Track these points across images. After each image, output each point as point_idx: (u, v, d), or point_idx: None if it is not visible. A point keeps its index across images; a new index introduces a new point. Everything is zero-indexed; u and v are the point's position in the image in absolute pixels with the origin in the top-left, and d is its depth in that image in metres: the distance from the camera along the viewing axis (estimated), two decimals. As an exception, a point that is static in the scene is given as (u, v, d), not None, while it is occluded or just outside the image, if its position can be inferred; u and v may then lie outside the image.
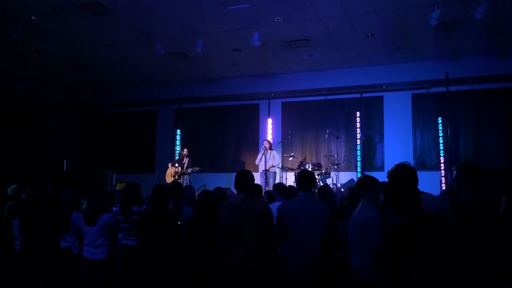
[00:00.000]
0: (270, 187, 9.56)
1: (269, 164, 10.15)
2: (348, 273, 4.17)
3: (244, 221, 3.77)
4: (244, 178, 4.02)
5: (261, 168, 10.33)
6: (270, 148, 10.43)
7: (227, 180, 11.42)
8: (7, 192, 6.45)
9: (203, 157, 12.27)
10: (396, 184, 2.76)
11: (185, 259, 4.42)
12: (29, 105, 13.45)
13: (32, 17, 8.59)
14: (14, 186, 6.44)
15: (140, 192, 5.23)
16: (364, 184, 3.90)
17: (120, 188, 10.53)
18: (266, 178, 10.05)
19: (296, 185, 4.51)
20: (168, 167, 11.03)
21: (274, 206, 4.60)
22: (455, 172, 3.77)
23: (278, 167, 10.67)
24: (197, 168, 10.63)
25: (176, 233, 4.41)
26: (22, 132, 12.98)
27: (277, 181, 10.30)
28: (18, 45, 9.56)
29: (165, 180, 10.73)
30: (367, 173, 11.22)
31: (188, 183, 10.18)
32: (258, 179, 9.69)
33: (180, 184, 6.20)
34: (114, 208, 5.21)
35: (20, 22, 8.59)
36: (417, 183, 3.42)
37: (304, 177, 4.32)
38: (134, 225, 4.74)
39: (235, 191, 4.17)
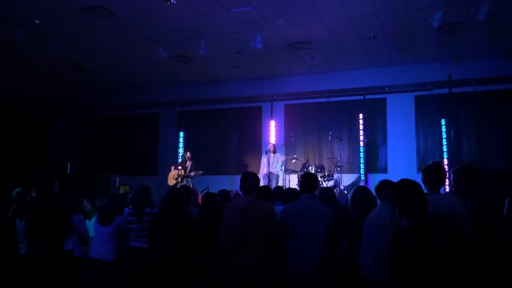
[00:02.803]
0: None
1: (273, 167, 10.19)
2: (351, 273, 4.19)
3: (249, 223, 3.78)
4: (249, 180, 4.04)
5: (265, 170, 10.33)
6: (274, 151, 10.44)
7: (229, 183, 11.42)
8: (11, 195, 6.47)
9: (206, 159, 12.26)
10: (401, 184, 2.76)
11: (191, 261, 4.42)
12: (33, 107, 13.52)
13: (36, 21, 8.66)
14: (18, 189, 6.45)
15: (151, 194, 5.29)
16: (382, 186, 4.02)
17: (124, 191, 10.55)
18: (270, 181, 10.06)
19: (299, 187, 4.52)
20: (170, 170, 11.04)
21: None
22: (452, 176, 3.75)
23: (281, 169, 10.68)
24: (200, 172, 10.63)
25: (200, 235, 4.36)
26: (26, 134, 13.03)
27: (280, 183, 10.31)
28: (22, 48, 9.61)
29: (166, 182, 10.74)
30: (370, 175, 11.22)
31: (191, 186, 10.19)
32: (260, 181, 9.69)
33: (188, 187, 6.25)
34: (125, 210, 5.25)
35: (23, 26, 8.65)
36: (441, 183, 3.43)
37: (306, 179, 4.33)
38: (145, 226, 4.76)
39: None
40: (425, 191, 3.47)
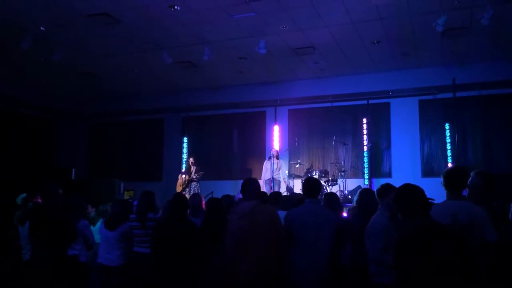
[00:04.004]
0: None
1: (276, 173, 10.19)
2: (356, 278, 4.18)
3: (254, 228, 3.78)
4: (250, 185, 4.06)
5: (267, 176, 10.33)
6: (277, 157, 10.45)
7: (234, 188, 11.43)
8: (16, 201, 6.50)
9: (210, 165, 12.28)
10: (404, 189, 2.76)
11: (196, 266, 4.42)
12: (38, 113, 13.60)
13: (41, 28, 8.73)
14: (23, 195, 6.48)
15: (155, 200, 5.30)
16: (384, 190, 3.97)
17: (128, 197, 10.58)
18: (272, 186, 10.06)
19: (302, 192, 4.52)
20: (178, 178, 11.09)
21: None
22: (471, 179, 3.70)
23: (286, 175, 10.69)
24: (201, 173, 10.67)
25: (204, 243, 4.35)
26: (31, 140, 13.10)
27: (283, 189, 10.31)
28: (28, 54, 9.68)
29: (175, 190, 10.76)
30: (374, 179, 11.19)
31: (197, 191, 10.22)
32: (262, 187, 9.69)
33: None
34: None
35: (29, 33, 8.72)
36: (461, 188, 3.37)
37: (310, 184, 4.32)
38: (149, 231, 4.77)
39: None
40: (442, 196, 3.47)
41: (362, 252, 3.93)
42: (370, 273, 3.80)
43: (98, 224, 6.06)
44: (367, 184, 10.98)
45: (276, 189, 9.93)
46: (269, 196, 5.88)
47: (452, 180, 3.35)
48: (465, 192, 3.62)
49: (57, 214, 4.62)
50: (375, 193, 4.18)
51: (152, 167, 13.59)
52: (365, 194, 4.68)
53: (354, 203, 4.79)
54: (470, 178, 3.63)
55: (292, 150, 12.04)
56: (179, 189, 10.77)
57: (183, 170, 11.38)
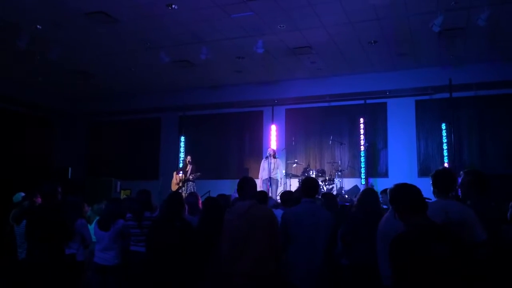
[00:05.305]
0: (273, 194, 9.59)
1: (273, 172, 10.19)
2: (352, 279, 4.18)
3: (250, 228, 3.78)
4: (247, 184, 4.05)
5: (265, 175, 10.33)
6: (274, 156, 10.45)
7: (231, 187, 11.40)
8: (12, 200, 6.47)
9: (207, 164, 12.28)
10: (400, 188, 2.77)
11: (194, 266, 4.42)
12: (35, 112, 13.56)
13: (38, 26, 8.70)
14: (21, 194, 6.46)
15: (151, 198, 5.29)
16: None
17: (125, 196, 10.55)
18: (270, 186, 10.06)
19: (300, 191, 4.52)
20: (173, 176, 11.06)
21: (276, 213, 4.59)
22: (461, 178, 3.74)
23: (283, 174, 10.69)
24: (198, 174, 10.66)
25: (200, 242, 4.35)
26: (28, 139, 13.06)
27: (280, 188, 10.31)
28: (24, 53, 9.65)
29: (170, 188, 10.75)
30: (371, 179, 11.22)
31: (193, 190, 10.20)
32: (259, 186, 9.69)
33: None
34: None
35: (26, 31, 8.69)
36: (448, 189, 3.38)
37: (307, 184, 4.33)
38: (146, 230, 4.77)
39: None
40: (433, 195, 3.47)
41: (365, 252, 3.85)
42: (387, 276, 3.59)
43: (94, 223, 6.05)
44: (364, 184, 11.01)
45: (274, 189, 9.95)
46: (281, 195, 5.92)
47: (440, 181, 3.41)
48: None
49: (54, 213, 4.62)
50: (388, 196, 4.08)
51: (149, 166, 13.57)
52: (367, 194, 4.61)
53: (355, 202, 4.74)
54: (460, 178, 3.69)
55: (289, 149, 12.05)
56: (174, 187, 10.74)
57: (178, 169, 11.34)
